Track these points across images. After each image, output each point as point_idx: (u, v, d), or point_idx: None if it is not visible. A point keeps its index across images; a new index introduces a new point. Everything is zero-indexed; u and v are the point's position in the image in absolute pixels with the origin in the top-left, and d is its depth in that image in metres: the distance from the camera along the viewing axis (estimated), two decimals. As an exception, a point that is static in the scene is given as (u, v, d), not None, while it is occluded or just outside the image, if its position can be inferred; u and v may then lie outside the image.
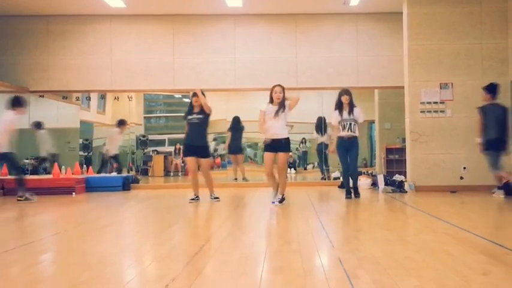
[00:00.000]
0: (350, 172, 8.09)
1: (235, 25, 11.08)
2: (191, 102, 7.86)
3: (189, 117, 7.76)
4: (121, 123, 12.07)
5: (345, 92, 8.03)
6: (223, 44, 11.04)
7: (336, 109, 8.04)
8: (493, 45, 9.35)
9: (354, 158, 8.04)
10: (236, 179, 12.01)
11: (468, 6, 9.38)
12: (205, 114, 7.73)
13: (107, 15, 11.04)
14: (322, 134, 12.34)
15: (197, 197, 7.78)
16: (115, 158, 11.94)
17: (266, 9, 10.85)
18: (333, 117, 8.13)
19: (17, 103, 8.37)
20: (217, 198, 7.80)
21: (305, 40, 11.03)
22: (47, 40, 11.09)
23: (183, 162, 14.06)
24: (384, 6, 10.54)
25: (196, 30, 11.06)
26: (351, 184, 8.03)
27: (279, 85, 7.20)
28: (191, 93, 7.98)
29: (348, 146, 7.93)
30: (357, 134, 7.96)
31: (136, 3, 10.41)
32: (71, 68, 11.05)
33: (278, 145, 7.11)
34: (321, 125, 12.34)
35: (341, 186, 9.58)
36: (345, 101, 7.92)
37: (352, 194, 8.01)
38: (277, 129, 7.10)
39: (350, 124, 7.87)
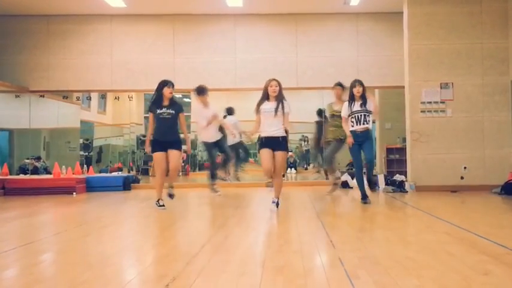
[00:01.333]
0: (367, 163, 7.37)
1: (236, 25, 11.06)
2: (161, 94, 6.93)
3: (159, 111, 6.89)
4: (231, 110, 11.47)
5: (357, 82, 7.24)
6: (224, 43, 11.02)
7: (347, 100, 7.33)
8: (494, 45, 9.32)
9: (369, 149, 7.26)
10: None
11: (468, 6, 9.34)
12: (176, 109, 6.95)
13: (107, 15, 11.01)
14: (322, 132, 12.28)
15: (163, 204, 6.96)
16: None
17: (266, 9, 10.82)
18: (343, 110, 7.40)
19: (198, 92, 8.70)
20: (171, 196, 7.22)
21: (305, 40, 11.02)
22: (47, 40, 11.06)
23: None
24: (384, 6, 10.51)
25: (196, 30, 11.04)
26: (366, 186, 7.40)
27: (275, 79, 6.55)
28: (168, 84, 6.99)
29: (360, 140, 7.21)
30: (370, 126, 7.26)
31: (137, 3, 10.38)
32: (71, 68, 11.02)
33: (275, 144, 6.46)
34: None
35: (342, 186, 9.52)
36: (356, 93, 7.18)
37: (366, 188, 7.28)
38: (274, 128, 6.45)
39: (364, 115, 7.14)
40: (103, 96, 14.15)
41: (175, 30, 11.06)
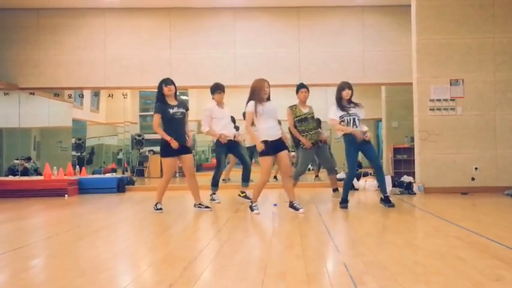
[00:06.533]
0: (375, 171, 7.19)
1: (236, 19, 10.94)
2: (162, 92, 6.61)
3: (171, 111, 6.57)
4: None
5: (347, 85, 7.00)
6: (223, 38, 10.90)
7: (335, 104, 7.07)
8: (507, 39, 9.10)
9: (374, 154, 7.06)
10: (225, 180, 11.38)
11: (480, -2, 9.20)
12: (185, 107, 6.75)
13: (101, 9, 10.88)
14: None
15: (161, 207, 6.84)
16: None
17: (268, 2, 10.72)
18: (331, 112, 7.08)
19: (212, 89, 8.01)
20: (208, 207, 6.88)
21: (308, 34, 10.90)
22: (37, 34, 10.90)
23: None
24: (391, -1, 10.48)
25: (194, 24, 10.90)
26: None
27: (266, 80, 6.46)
28: (165, 82, 6.67)
29: (360, 144, 6.92)
30: (366, 128, 7.04)
31: (132, -4, 10.33)
32: (62, 64, 10.88)
33: (278, 145, 6.38)
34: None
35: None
36: (345, 96, 6.93)
37: (383, 203, 6.99)
38: (277, 129, 6.42)
39: (354, 120, 6.93)
40: (96, 93, 14.16)
41: (172, 25, 10.91)
